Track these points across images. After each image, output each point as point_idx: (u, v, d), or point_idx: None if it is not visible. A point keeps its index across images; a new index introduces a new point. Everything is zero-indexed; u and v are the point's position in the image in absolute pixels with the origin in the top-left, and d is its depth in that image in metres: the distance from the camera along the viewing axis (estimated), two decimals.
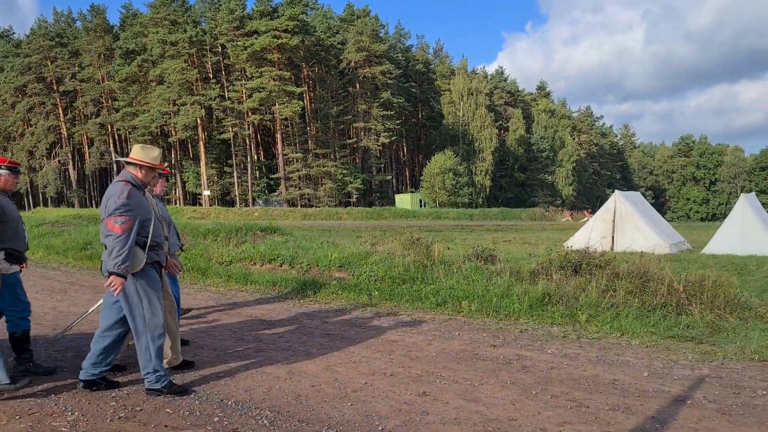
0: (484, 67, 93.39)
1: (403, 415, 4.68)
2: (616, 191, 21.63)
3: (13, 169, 5.63)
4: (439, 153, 67.20)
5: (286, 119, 64.52)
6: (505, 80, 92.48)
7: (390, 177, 76.45)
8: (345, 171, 66.41)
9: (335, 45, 70.35)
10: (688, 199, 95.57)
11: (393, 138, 72.31)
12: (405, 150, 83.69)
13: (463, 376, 5.59)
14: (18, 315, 5.66)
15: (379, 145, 70.86)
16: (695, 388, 5.23)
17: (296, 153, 64.98)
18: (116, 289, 4.66)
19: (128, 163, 5.07)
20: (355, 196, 66.92)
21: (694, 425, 4.40)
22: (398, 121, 72.40)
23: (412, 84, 78.50)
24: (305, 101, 67.20)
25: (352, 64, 70.26)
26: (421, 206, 66.01)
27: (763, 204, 44.36)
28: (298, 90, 63.46)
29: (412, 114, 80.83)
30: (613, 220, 20.41)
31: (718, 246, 19.21)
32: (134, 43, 66.66)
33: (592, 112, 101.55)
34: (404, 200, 66.69)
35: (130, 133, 67.21)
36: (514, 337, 7.14)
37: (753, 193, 23.25)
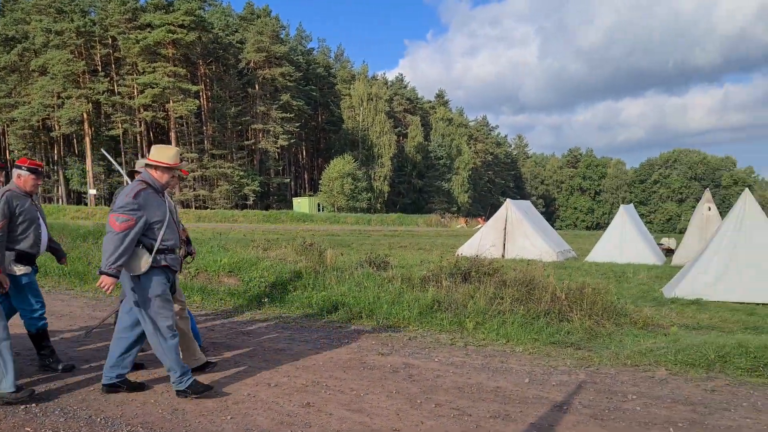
0: (384, 74, 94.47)
1: (285, 428, 4.53)
2: (508, 200, 22.38)
3: (34, 170, 5.63)
4: (339, 157, 67.19)
5: (180, 117, 62.33)
6: (405, 87, 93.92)
7: (288, 180, 75.66)
8: (242, 173, 65.04)
9: (234, 44, 68.82)
10: (575, 208, 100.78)
11: (292, 141, 71.61)
12: (304, 153, 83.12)
13: (350, 386, 5.51)
14: (31, 315, 5.70)
15: (277, 148, 69.96)
16: (572, 393, 5.39)
17: (191, 153, 62.95)
18: (107, 288, 4.57)
19: (147, 165, 4.99)
20: (251, 199, 65.64)
21: (568, 430, 4.52)
22: (298, 124, 71.79)
23: (313, 87, 78.10)
24: (202, 100, 65.29)
25: (252, 64, 69.01)
26: (319, 210, 65.70)
27: (641, 215, 47.26)
28: (194, 88, 61.54)
29: (312, 117, 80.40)
30: (504, 228, 21.06)
31: (600, 254, 20.28)
32: (14, 30, 62.18)
33: (488, 122, 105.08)
34: (302, 204, 66.11)
35: (8, 125, 62.61)
36: (403, 345, 7.14)
37: (632, 205, 24.76)
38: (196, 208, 61.66)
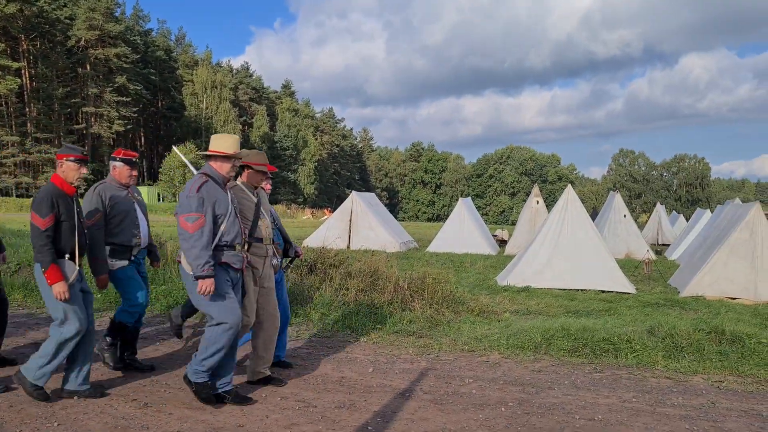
0: (229, 61, 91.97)
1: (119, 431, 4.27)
2: (353, 192, 22.71)
3: (128, 161, 5.43)
4: (180, 146, 64.36)
5: None
6: (251, 76, 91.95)
7: None
8: None
9: (62, 19, 63.39)
10: (418, 200, 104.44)
11: (129, 126, 67.53)
12: (143, 140, 78.63)
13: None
14: (123, 307, 5.48)
15: (113, 133, 65.63)
16: (414, 380, 5.58)
17: (11, 136, 57.26)
18: (207, 291, 4.41)
19: (205, 155, 4.71)
20: (83, 188, 60.98)
21: (410, 416, 4.67)
22: (135, 109, 67.83)
23: (152, 71, 74.03)
24: (24, 78, 59.54)
25: (82, 42, 63.99)
26: (159, 200, 62.66)
27: (478, 207, 50.12)
28: (15, 65, 56.04)
29: (151, 103, 76.28)
30: (350, 220, 21.36)
31: (440, 244, 21.20)
32: None
33: (334, 114, 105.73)
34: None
35: None
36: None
37: (469, 198, 26.13)
38: (17, 196, 56.23)
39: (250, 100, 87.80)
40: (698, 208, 28.94)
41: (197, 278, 4.37)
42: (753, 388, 5.52)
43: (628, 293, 11.83)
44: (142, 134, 77.59)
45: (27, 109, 60.29)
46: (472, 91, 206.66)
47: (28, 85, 60.38)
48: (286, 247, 5.79)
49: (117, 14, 69.99)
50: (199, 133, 71.09)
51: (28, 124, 59.74)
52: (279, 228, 5.66)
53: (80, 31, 62.80)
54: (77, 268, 4.72)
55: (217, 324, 4.57)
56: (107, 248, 5.27)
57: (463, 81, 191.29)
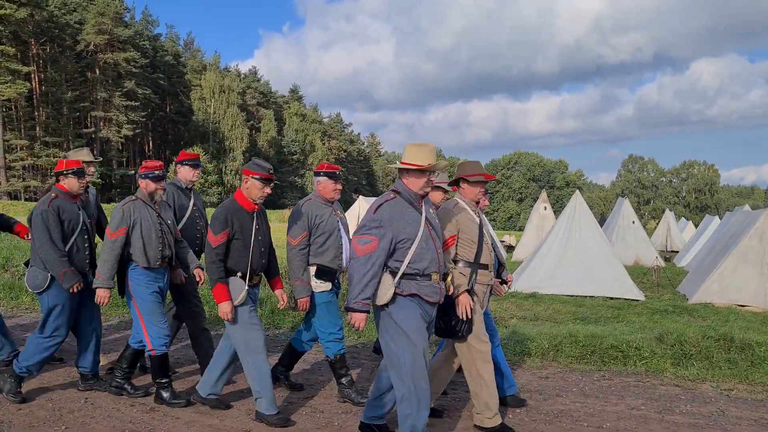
0: (237, 65, 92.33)
1: None
2: (360, 197, 22.75)
3: (332, 174, 5.08)
4: (188, 150, 64.65)
5: (8, 100, 56.77)
6: (259, 80, 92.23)
7: (133, 172, 71.40)
8: None
9: (72, 24, 63.78)
10: None
11: (137, 131, 67.76)
12: (151, 144, 78.94)
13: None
14: (327, 338, 5.00)
15: (121, 137, 65.88)
16: None
17: (20, 139, 57.61)
18: (359, 326, 3.81)
19: (400, 169, 3.95)
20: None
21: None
22: (144, 113, 68.02)
23: (161, 75, 74.32)
24: (33, 82, 59.90)
25: (92, 47, 64.35)
26: None
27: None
28: (25, 69, 56.34)
29: (160, 107, 76.55)
30: (357, 224, 21.36)
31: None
32: None
33: (342, 119, 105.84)
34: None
35: None
36: None
37: None
38: (26, 200, 56.54)
39: (258, 105, 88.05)
40: (707, 215, 28.82)
41: (347, 309, 3.79)
42: (763, 397, 5.48)
43: (637, 300, 11.77)
44: (150, 138, 77.93)
45: (36, 113, 60.63)
46: (480, 96, 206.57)
47: (38, 89, 60.77)
48: (500, 270, 4.99)
49: (126, 19, 70.35)
50: (206, 138, 71.28)
51: (37, 128, 60.06)
52: (495, 249, 4.90)
53: (89, 36, 63.18)
54: (246, 287, 4.47)
55: (398, 377, 3.81)
56: (312, 269, 4.92)
57: (471, 85, 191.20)
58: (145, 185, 4.92)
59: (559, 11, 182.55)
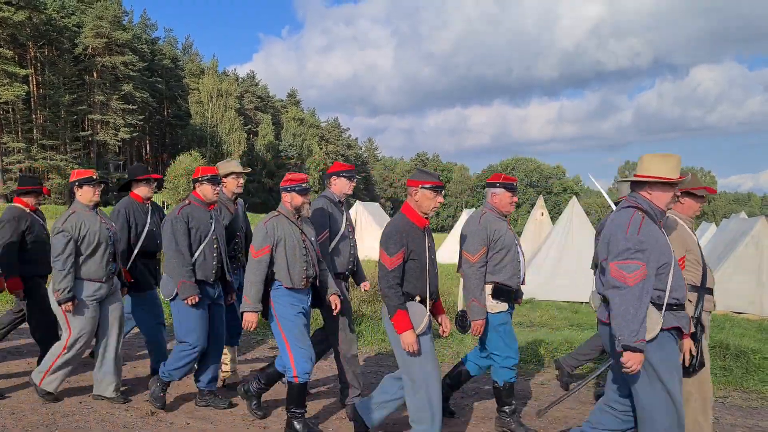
0: (235, 69, 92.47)
1: None
2: (357, 202, 22.73)
3: (509, 186, 4.67)
4: (186, 153, 64.44)
5: (6, 103, 56.70)
6: (257, 85, 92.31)
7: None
8: (77, 166, 60.42)
9: (70, 27, 63.80)
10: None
11: (135, 134, 67.73)
12: (148, 148, 78.92)
13: (194, 391, 5.29)
14: (501, 363, 4.58)
15: (118, 141, 65.84)
16: None
17: (18, 142, 57.53)
18: (633, 368, 3.14)
19: (639, 182, 3.44)
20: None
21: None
22: (141, 117, 67.95)
23: (158, 79, 74.35)
24: (31, 85, 59.84)
25: (90, 50, 64.36)
26: (164, 208, 62.71)
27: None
28: (23, 72, 56.31)
29: (157, 111, 76.54)
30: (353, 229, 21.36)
31: (445, 255, 21.16)
32: None
33: (339, 124, 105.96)
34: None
35: None
36: None
37: (474, 209, 26.10)
38: None
39: (256, 109, 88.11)
40: (704, 222, 28.82)
41: (627, 349, 3.13)
42: (757, 404, 5.49)
43: None
44: (147, 142, 77.92)
45: (33, 116, 60.55)
46: (479, 101, 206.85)
47: (35, 92, 60.71)
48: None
49: (124, 22, 70.40)
50: (204, 142, 71.26)
51: (35, 131, 60.00)
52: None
53: (88, 39, 63.19)
54: (428, 314, 3.99)
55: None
56: (489, 287, 4.57)
57: (471, 91, 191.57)
58: (290, 199, 4.54)
59: (559, 17, 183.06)
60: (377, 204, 26.96)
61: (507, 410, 4.65)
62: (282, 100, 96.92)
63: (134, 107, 66.17)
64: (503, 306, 4.55)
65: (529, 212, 32.57)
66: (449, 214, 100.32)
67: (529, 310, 10.85)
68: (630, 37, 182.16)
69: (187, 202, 4.92)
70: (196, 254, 4.83)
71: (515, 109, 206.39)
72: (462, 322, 4.41)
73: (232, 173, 5.52)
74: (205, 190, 4.94)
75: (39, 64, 61.23)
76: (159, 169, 77.93)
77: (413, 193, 4.03)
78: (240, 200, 5.77)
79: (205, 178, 4.93)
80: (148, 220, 5.65)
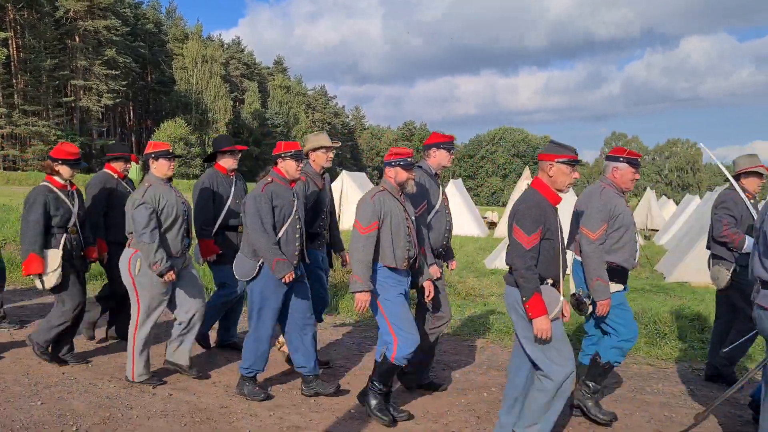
0: (220, 35, 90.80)
1: (104, 411, 4.30)
2: (343, 171, 22.65)
3: (633, 161, 4.43)
4: (170, 120, 63.85)
5: None
6: (242, 51, 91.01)
7: (113, 142, 70.39)
8: (60, 132, 59.52)
9: None
10: None
11: (118, 100, 66.73)
12: (132, 114, 77.86)
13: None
14: (616, 343, 4.33)
15: (101, 107, 64.83)
16: None
17: None
18: None
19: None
20: None
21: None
22: (125, 83, 66.92)
23: (142, 44, 72.99)
24: (11, 49, 58.59)
25: (71, 13, 62.98)
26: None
27: (469, 188, 50.20)
28: (1, 35, 55.08)
29: (141, 76, 75.32)
30: (340, 198, 21.32)
31: None
32: None
33: (326, 92, 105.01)
34: (129, 168, 61.99)
35: None
36: None
37: (460, 179, 26.11)
38: (4, 169, 55.69)
39: (242, 76, 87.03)
40: (688, 194, 29.06)
41: None
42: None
43: None
44: (131, 108, 76.87)
45: (14, 81, 59.44)
46: (467, 71, 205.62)
47: (15, 56, 59.47)
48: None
49: None
50: (189, 109, 70.44)
51: (16, 96, 58.91)
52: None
53: (69, 2, 61.76)
54: (561, 298, 3.73)
55: None
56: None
57: (459, 60, 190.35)
58: (394, 174, 4.31)
59: None
60: (364, 174, 26.88)
61: (591, 387, 4.44)
62: (268, 68, 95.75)
63: (117, 73, 65.12)
64: (619, 286, 4.37)
65: (516, 183, 32.63)
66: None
67: None
68: (621, 6, 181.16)
69: (269, 179, 4.65)
70: (279, 235, 4.58)
71: (504, 78, 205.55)
72: (578, 304, 4.19)
73: (321, 147, 5.28)
74: (289, 167, 4.66)
75: (19, 27, 59.86)
76: (143, 136, 77.11)
77: (547, 168, 3.74)
78: (326, 175, 5.53)
79: (289, 154, 4.64)
80: (232, 192, 5.62)
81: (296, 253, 4.66)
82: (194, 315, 5.06)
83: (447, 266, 5.10)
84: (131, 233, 4.79)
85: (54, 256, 5.01)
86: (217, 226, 5.54)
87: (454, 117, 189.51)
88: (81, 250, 5.31)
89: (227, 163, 5.68)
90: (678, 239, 16.41)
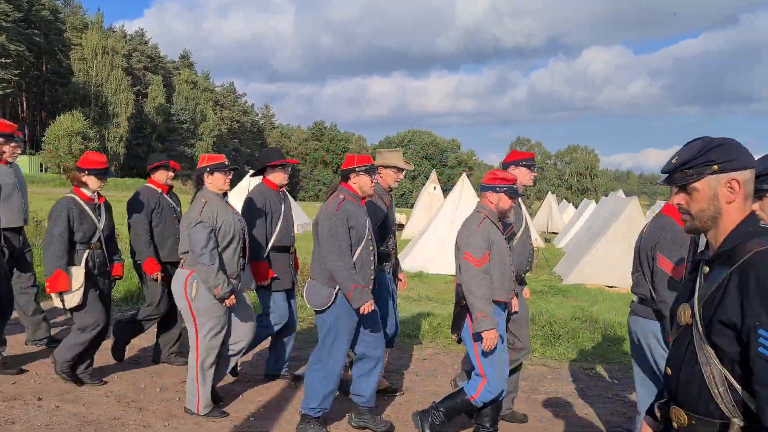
0: (123, 26, 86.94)
1: None
2: (251, 171, 22.23)
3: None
4: (67, 113, 60.60)
5: None
6: (146, 43, 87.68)
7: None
8: None
9: None
10: (318, 180, 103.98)
11: (9, 90, 62.77)
12: (24, 106, 73.38)
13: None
14: None
15: None
16: (295, 370, 5.52)
17: None
18: None
19: None
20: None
21: (296, 406, 4.61)
22: (17, 72, 63.03)
23: (36, 32, 68.91)
24: None
25: None
26: (42, 171, 58.84)
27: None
28: None
29: (35, 66, 71.14)
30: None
31: None
32: None
33: (235, 89, 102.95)
34: (21, 163, 58.40)
35: None
36: None
37: None
38: None
39: (145, 69, 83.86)
40: (585, 198, 30.46)
41: None
42: (620, 375, 5.87)
43: None
44: (24, 99, 72.43)
45: None
46: (380, 72, 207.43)
47: None
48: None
49: None
50: (87, 101, 67.17)
51: None
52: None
53: None
54: None
55: None
56: None
57: (372, 61, 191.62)
58: (497, 200, 4.00)
59: None
60: None
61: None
62: (174, 62, 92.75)
63: (8, 61, 61.24)
64: None
65: (424, 185, 33.17)
66: None
67: (418, 283, 11.09)
68: (528, 15, 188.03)
69: (341, 196, 4.20)
70: (354, 258, 4.13)
71: (415, 81, 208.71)
72: None
73: (395, 167, 4.93)
74: (363, 183, 4.22)
75: None
76: (37, 129, 72.84)
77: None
78: (392, 191, 5.16)
79: (363, 168, 4.20)
80: (283, 209, 5.15)
81: (371, 278, 4.26)
82: (244, 345, 4.64)
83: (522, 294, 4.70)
84: (185, 253, 4.40)
85: (77, 274, 4.61)
86: (269, 246, 5.06)
87: (365, 118, 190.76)
88: (105, 267, 4.91)
89: (278, 178, 5.19)
90: (575, 243, 17.17)
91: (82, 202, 4.76)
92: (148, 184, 5.50)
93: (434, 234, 13.12)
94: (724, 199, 1.71)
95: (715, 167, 1.69)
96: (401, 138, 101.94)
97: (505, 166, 4.62)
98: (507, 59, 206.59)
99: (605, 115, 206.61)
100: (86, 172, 4.79)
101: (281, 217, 5.13)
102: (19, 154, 5.68)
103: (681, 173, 1.75)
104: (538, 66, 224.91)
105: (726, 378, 1.64)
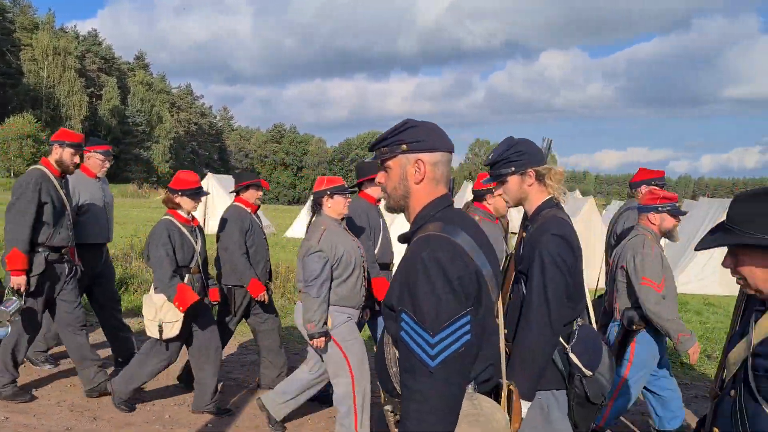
0: (75, 26, 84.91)
1: None
2: (209, 173, 22.00)
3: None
4: (17, 115, 58.97)
5: None
6: (100, 44, 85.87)
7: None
8: None
9: None
10: (278, 182, 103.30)
11: None
12: None
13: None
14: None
15: None
16: (254, 374, 5.48)
17: None
18: None
19: None
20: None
21: (255, 410, 4.57)
22: None
23: None
24: None
25: None
26: None
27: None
28: None
29: None
30: (205, 204, 20.61)
31: (298, 230, 21.04)
32: None
33: (192, 90, 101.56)
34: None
35: None
36: None
37: None
38: None
39: (99, 71, 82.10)
40: None
41: None
42: None
43: None
44: None
45: None
46: (340, 74, 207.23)
47: None
48: None
49: None
50: (39, 103, 65.47)
51: None
52: None
53: None
54: None
55: None
56: None
57: (332, 63, 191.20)
58: (660, 221, 3.92)
59: None
60: (230, 176, 26.20)
61: None
62: (129, 63, 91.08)
63: None
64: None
65: None
66: (305, 186, 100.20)
67: None
68: (487, 18, 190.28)
69: (477, 217, 3.99)
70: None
71: (375, 83, 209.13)
72: None
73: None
74: (498, 204, 4.13)
75: None
76: None
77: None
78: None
79: (487, 190, 4.08)
80: (381, 224, 4.87)
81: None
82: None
83: None
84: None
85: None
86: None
87: (325, 120, 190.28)
88: (205, 293, 4.72)
89: (376, 191, 4.91)
90: None
91: (179, 225, 4.56)
92: (237, 203, 5.24)
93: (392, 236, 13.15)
94: (412, 179, 1.82)
95: (404, 147, 1.81)
96: (361, 140, 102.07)
97: (634, 186, 4.49)
98: (466, 61, 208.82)
99: (562, 117, 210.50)
100: (179, 194, 4.57)
101: (382, 232, 4.92)
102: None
103: (378, 151, 1.88)
104: (496, 68, 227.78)
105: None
